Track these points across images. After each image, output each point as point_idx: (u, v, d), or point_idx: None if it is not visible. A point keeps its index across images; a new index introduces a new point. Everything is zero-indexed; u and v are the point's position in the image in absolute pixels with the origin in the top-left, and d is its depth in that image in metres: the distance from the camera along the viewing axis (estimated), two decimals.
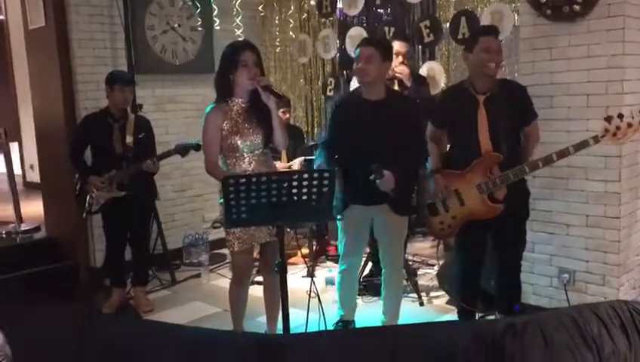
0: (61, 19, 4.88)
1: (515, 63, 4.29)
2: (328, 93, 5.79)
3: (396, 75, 4.22)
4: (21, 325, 1.88)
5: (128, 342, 2.43)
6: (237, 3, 5.82)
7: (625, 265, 3.60)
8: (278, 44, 6.27)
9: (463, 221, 3.31)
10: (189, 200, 5.77)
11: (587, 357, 2.09)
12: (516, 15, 4.13)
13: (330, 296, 4.05)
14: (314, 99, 6.19)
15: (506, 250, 3.43)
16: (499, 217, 3.22)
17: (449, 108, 3.40)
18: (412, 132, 3.32)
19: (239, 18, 5.83)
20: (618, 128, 2.92)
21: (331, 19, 5.72)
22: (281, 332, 2.71)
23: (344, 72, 5.94)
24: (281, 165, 4.83)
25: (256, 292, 3.74)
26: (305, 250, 5.25)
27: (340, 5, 5.58)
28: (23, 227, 5.40)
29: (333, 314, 3.64)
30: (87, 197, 4.22)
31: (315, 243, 5.34)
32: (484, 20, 4.22)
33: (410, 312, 4.01)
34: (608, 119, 2.96)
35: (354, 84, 5.19)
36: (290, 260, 5.02)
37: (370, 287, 4.38)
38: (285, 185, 2.48)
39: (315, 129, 6.21)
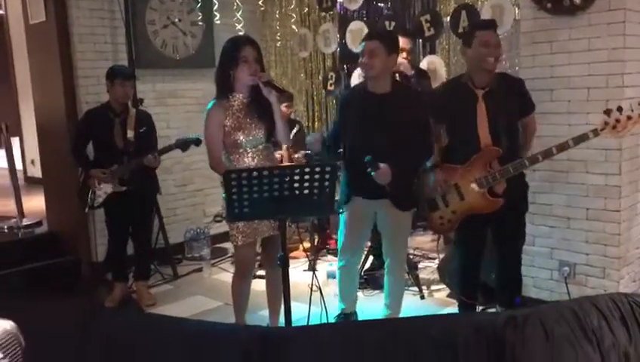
0: (62, 14, 4.88)
1: (516, 57, 4.29)
2: (329, 88, 5.79)
3: (398, 70, 4.20)
4: (23, 320, 1.89)
5: (131, 336, 2.44)
6: None
7: (625, 258, 3.61)
8: (278, 38, 6.27)
9: (463, 215, 3.31)
10: (191, 194, 5.78)
11: (587, 349, 2.11)
12: (517, 9, 4.12)
13: (332, 290, 4.06)
14: (314, 93, 6.19)
15: (505, 244, 3.44)
16: (498, 211, 3.22)
17: (448, 102, 3.39)
18: (418, 125, 3.29)
19: (240, 12, 5.82)
20: (618, 121, 2.93)
21: (332, 13, 5.71)
22: (284, 325, 2.73)
23: (345, 66, 5.94)
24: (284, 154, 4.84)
25: (257, 286, 3.75)
26: (306, 244, 5.26)
27: None
28: (25, 222, 5.41)
29: (334, 307, 3.66)
30: (90, 192, 4.23)
31: (316, 237, 5.35)
32: (485, 14, 4.21)
33: (411, 305, 4.01)
34: (608, 112, 2.96)
35: (354, 78, 5.20)
36: (292, 254, 5.03)
37: (371, 281, 4.40)
38: (287, 180, 2.48)
39: (316, 123, 6.21)
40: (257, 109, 3.23)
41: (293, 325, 2.70)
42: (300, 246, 5.10)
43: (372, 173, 3.13)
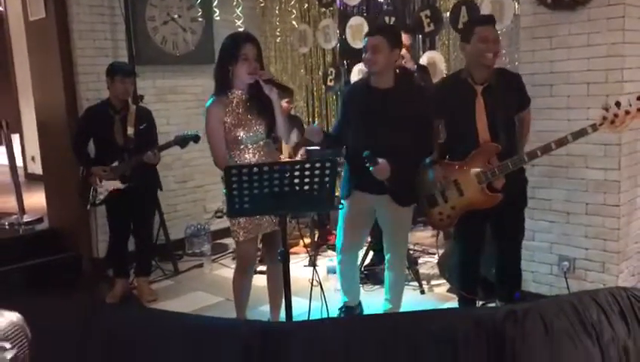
0: (61, 11, 4.88)
1: (516, 52, 4.29)
2: (329, 83, 5.78)
3: (402, 65, 4.18)
4: (24, 316, 1.90)
5: (132, 332, 2.45)
6: None
7: (624, 253, 3.62)
8: (278, 34, 6.26)
9: (462, 211, 3.31)
10: (191, 190, 5.79)
11: (587, 343, 2.12)
12: (516, 4, 4.13)
13: (332, 285, 4.08)
14: (314, 89, 6.19)
15: (505, 239, 3.45)
16: (497, 206, 3.22)
17: (446, 98, 3.38)
18: (421, 121, 3.28)
19: (239, 8, 5.82)
20: (616, 116, 2.92)
21: (332, 9, 5.71)
22: (284, 320, 2.74)
23: (344, 61, 5.94)
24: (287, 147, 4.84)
25: (258, 281, 3.76)
26: (307, 240, 5.27)
27: None
28: (26, 218, 5.42)
29: (335, 302, 3.67)
30: (91, 190, 4.24)
31: (316, 232, 5.36)
32: (485, 9, 4.20)
33: (412, 300, 4.03)
34: (606, 107, 2.96)
35: (354, 74, 5.20)
36: (292, 249, 5.05)
37: (371, 276, 4.41)
38: (287, 175, 2.49)
39: (316, 119, 6.21)
40: (257, 105, 3.22)
41: (293, 320, 2.71)
42: (301, 241, 5.12)
43: (370, 168, 3.13)
